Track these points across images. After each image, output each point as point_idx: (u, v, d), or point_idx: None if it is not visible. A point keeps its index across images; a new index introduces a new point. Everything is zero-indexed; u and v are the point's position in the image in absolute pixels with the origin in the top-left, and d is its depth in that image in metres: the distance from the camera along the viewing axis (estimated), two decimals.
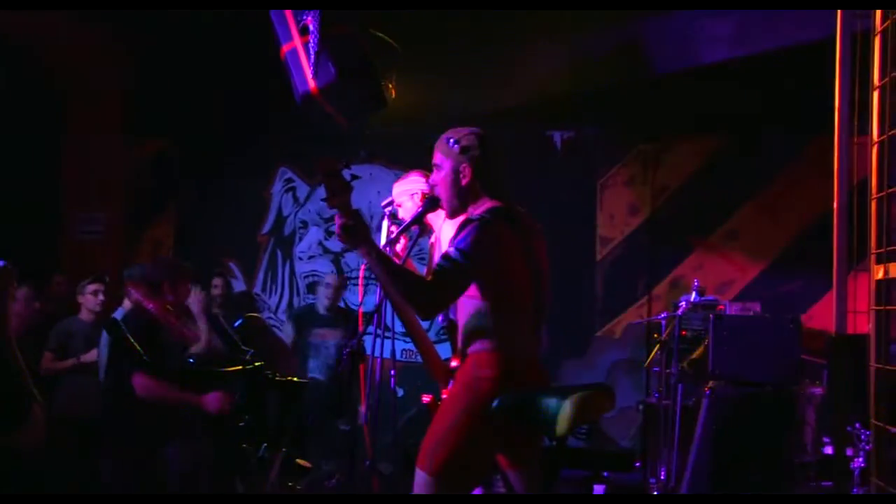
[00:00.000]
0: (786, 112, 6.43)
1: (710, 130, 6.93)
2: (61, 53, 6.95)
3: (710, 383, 4.63)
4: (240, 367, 4.43)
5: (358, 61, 4.22)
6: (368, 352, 4.29)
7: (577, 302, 7.01)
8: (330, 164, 2.75)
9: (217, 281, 6.42)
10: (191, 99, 7.22)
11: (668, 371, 5.42)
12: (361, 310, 3.83)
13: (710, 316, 4.85)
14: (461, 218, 2.90)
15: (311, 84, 4.12)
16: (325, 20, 4.06)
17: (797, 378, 4.60)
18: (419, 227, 3.17)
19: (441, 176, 2.92)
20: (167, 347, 4.39)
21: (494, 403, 2.66)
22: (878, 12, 2.99)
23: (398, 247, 3.77)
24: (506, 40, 6.14)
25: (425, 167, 3.65)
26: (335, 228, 2.74)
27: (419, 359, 3.31)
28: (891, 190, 2.87)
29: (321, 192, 6.33)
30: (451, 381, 2.93)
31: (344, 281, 6.47)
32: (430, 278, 2.72)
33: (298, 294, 7.77)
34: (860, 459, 3.96)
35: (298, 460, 4.43)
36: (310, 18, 4.09)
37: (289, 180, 7.90)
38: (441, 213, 3.11)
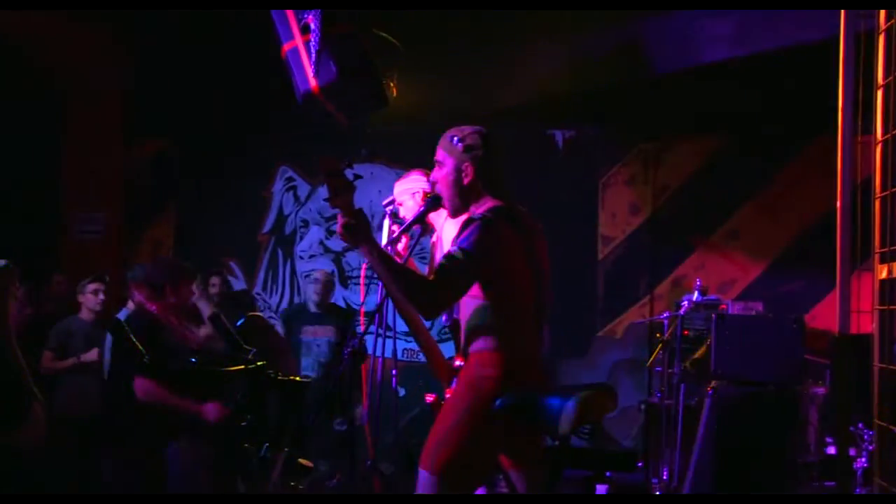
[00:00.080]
0: (786, 111, 6.42)
1: (711, 130, 6.93)
2: (61, 53, 6.94)
3: (713, 383, 4.63)
4: (242, 367, 4.41)
5: (359, 60, 4.21)
6: (370, 351, 4.28)
7: (579, 301, 7.00)
8: (332, 164, 2.74)
9: (214, 280, 6.41)
10: (191, 99, 7.21)
11: (670, 371, 5.42)
12: (363, 309, 3.82)
13: (713, 315, 4.84)
14: (463, 217, 2.89)
15: (313, 83, 4.11)
16: (327, 19, 4.05)
17: (800, 378, 4.60)
18: (421, 226, 3.16)
19: (443, 174, 2.92)
20: (169, 348, 4.38)
21: (497, 403, 2.66)
22: (883, 11, 2.99)
23: (399, 246, 3.77)
24: (507, 39, 6.13)
25: (426, 166, 3.64)
26: (337, 227, 2.73)
27: (421, 358, 3.32)
28: (895, 189, 2.86)
29: (323, 191, 6.33)
30: (455, 381, 2.92)
31: (332, 277, 6.43)
32: (432, 277, 2.71)
33: (299, 293, 7.76)
34: (863, 460, 3.96)
35: (300, 460, 4.41)
36: (311, 17, 4.08)
37: (289, 179, 7.89)
38: (443, 212, 3.10)
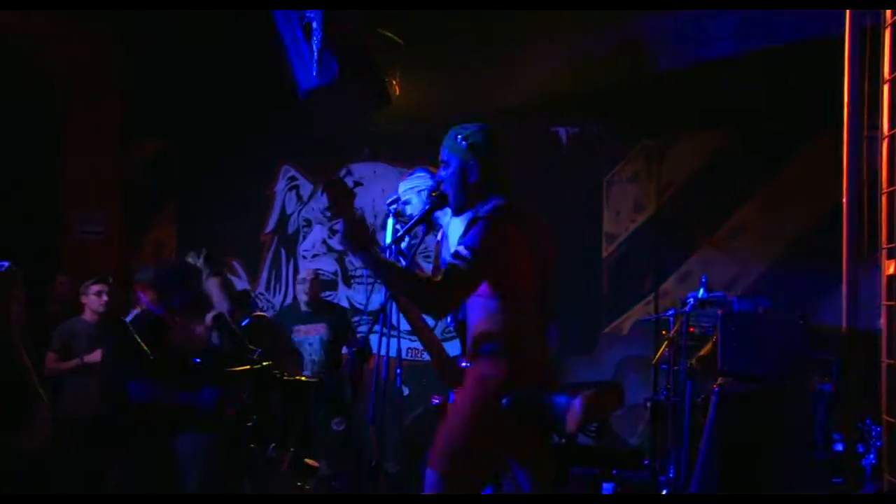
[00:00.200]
0: (791, 107, 6.41)
1: (716, 126, 6.92)
2: (61, 53, 6.93)
3: (719, 380, 4.61)
4: (247, 367, 4.41)
5: (361, 59, 4.20)
6: (374, 350, 4.27)
7: (584, 299, 6.98)
8: (330, 174, 2.74)
9: (215, 280, 6.39)
10: (191, 98, 7.20)
11: (676, 368, 5.40)
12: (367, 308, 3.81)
13: (719, 312, 4.83)
14: (468, 215, 2.88)
15: (315, 82, 4.11)
16: (329, 18, 4.05)
17: (806, 374, 4.58)
18: (425, 225, 3.14)
19: (449, 173, 2.90)
20: (174, 350, 4.37)
21: (504, 402, 2.65)
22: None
23: (403, 245, 3.75)
24: (509, 37, 6.12)
25: (429, 164, 3.62)
26: (337, 237, 2.72)
27: (425, 357, 3.29)
28: None
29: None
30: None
31: (320, 275, 6.40)
32: (439, 278, 2.70)
33: None
34: (871, 456, 3.95)
35: (307, 460, 4.41)
36: (313, 17, 4.08)
37: (292, 178, 7.87)
38: (448, 210, 3.08)
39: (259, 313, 5.51)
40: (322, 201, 7.52)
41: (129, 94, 7.55)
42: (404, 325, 3.56)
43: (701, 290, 5.53)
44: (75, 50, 6.96)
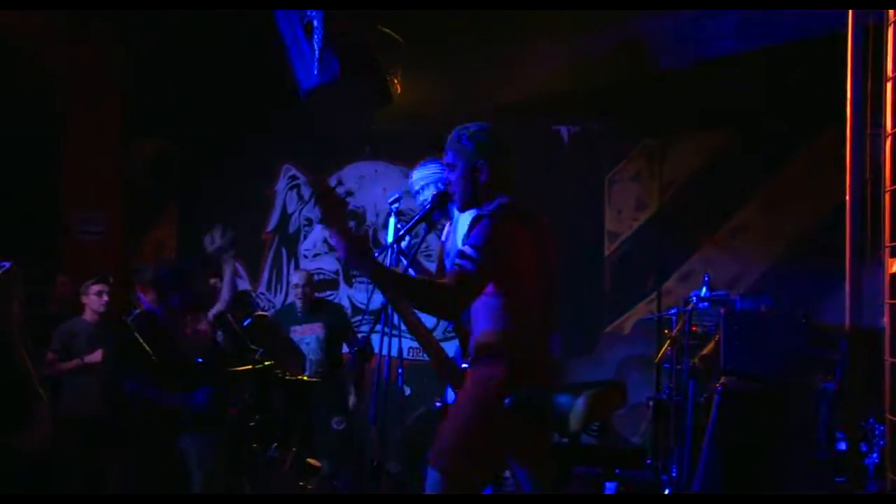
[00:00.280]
0: (793, 105, 6.40)
1: (717, 124, 6.91)
2: (61, 53, 6.92)
3: (722, 379, 4.60)
4: (249, 367, 4.40)
5: (362, 57, 4.20)
6: (376, 350, 4.26)
7: (586, 298, 6.97)
8: (321, 185, 2.73)
9: (213, 280, 6.38)
10: (191, 98, 7.19)
11: (678, 367, 5.39)
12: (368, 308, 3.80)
13: (721, 311, 4.82)
14: (473, 212, 2.87)
15: (316, 80, 4.10)
16: (330, 17, 4.04)
17: (809, 373, 4.58)
18: (426, 224, 3.13)
19: (457, 175, 2.89)
20: (176, 349, 4.37)
21: (507, 401, 2.64)
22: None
23: (404, 244, 3.74)
24: (510, 36, 6.11)
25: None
26: (340, 255, 2.70)
27: (427, 356, 3.29)
28: None
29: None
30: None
31: (311, 276, 6.39)
32: (449, 280, 2.68)
33: None
34: (874, 455, 3.94)
35: (309, 459, 4.41)
36: (314, 15, 4.07)
37: (293, 177, 7.86)
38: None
39: (260, 313, 5.50)
40: None
41: (129, 94, 7.54)
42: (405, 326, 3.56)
43: (703, 289, 5.53)
44: (75, 50, 6.96)
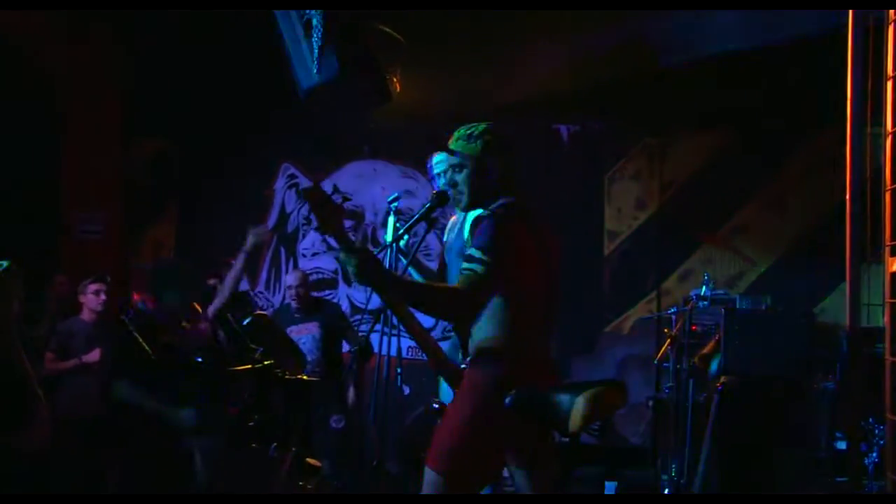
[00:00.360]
0: (793, 104, 6.40)
1: (717, 124, 6.91)
2: (61, 53, 6.91)
3: (722, 378, 4.60)
4: (249, 366, 4.39)
5: (362, 56, 4.19)
6: (375, 350, 4.25)
7: (585, 297, 6.97)
8: (316, 193, 2.71)
9: (212, 281, 6.38)
10: (191, 97, 7.18)
11: (678, 367, 5.39)
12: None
13: (722, 310, 4.81)
14: (477, 211, 2.87)
15: (315, 80, 4.10)
16: (329, 16, 4.04)
17: (809, 373, 4.57)
18: (426, 223, 3.12)
19: (464, 174, 2.88)
20: (174, 349, 4.37)
21: (507, 400, 2.63)
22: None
23: (402, 243, 3.74)
24: (509, 35, 6.11)
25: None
26: (350, 274, 2.67)
27: (426, 356, 3.28)
28: None
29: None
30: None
31: (306, 276, 6.38)
32: (460, 284, 2.67)
33: None
34: (874, 454, 3.94)
35: (308, 459, 4.39)
36: (314, 14, 4.06)
37: (291, 176, 7.85)
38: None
39: (260, 312, 5.49)
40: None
41: (129, 94, 7.54)
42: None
43: (703, 288, 5.52)
44: (75, 50, 6.94)
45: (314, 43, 3.99)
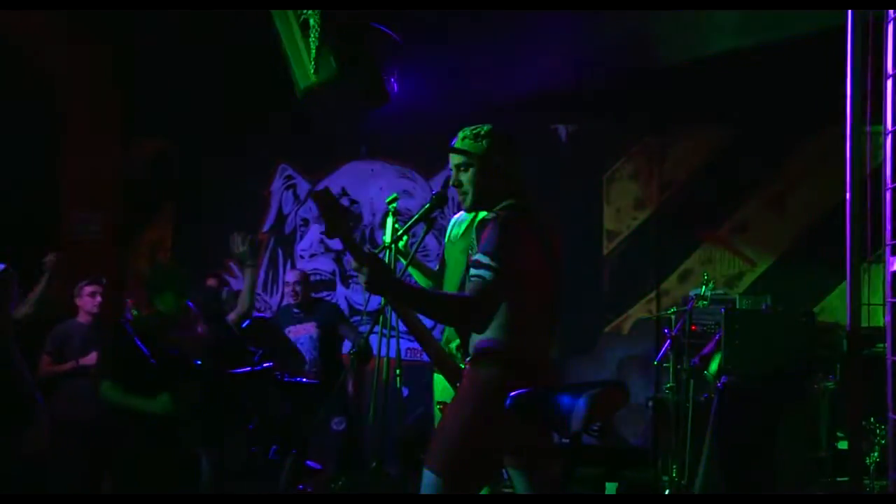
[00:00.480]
0: (793, 102, 6.38)
1: (716, 122, 6.90)
2: (61, 54, 6.91)
3: (722, 379, 4.59)
4: (249, 369, 4.39)
5: (359, 57, 4.18)
6: (374, 351, 4.25)
7: (584, 297, 6.95)
8: (325, 196, 2.71)
9: (212, 282, 6.37)
10: (190, 98, 7.18)
11: (678, 367, 5.38)
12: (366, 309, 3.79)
13: (722, 310, 4.81)
14: (483, 213, 2.86)
15: (313, 80, 4.09)
16: (327, 16, 4.03)
17: (809, 372, 4.57)
18: (425, 223, 3.11)
19: (470, 175, 2.87)
20: (173, 351, 4.36)
21: (508, 402, 2.61)
22: None
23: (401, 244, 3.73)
24: (508, 35, 6.10)
25: (427, 163, 3.62)
26: (360, 282, 2.66)
27: (425, 357, 3.27)
28: None
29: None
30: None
31: (306, 276, 6.38)
32: (470, 291, 2.67)
33: None
34: (876, 454, 3.93)
35: (308, 461, 4.39)
36: (311, 15, 4.06)
37: (289, 177, 7.84)
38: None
39: (259, 315, 5.49)
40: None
41: (129, 94, 7.54)
42: (402, 326, 3.54)
43: (703, 288, 5.52)
44: (75, 50, 6.95)
45: (311, 43, 3.99)
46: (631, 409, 6.43)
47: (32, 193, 7.00)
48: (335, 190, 7.57)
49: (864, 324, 3.12)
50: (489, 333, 2.75)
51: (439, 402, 3.47)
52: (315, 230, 7.78)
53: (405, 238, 3.85)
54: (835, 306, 6.11)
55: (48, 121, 7.28)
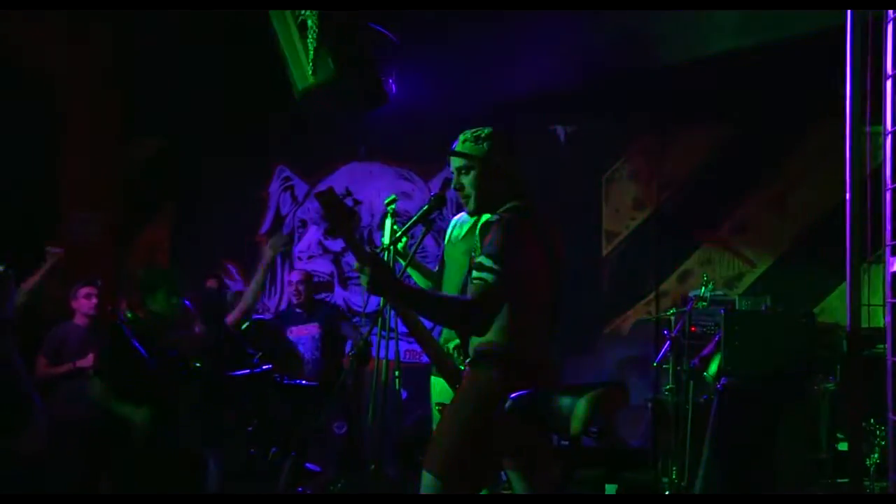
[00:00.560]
0: (793, 102, 6.38)
1: (716, 122, 6.89)
2: (61, 53, 6.91)
3: (722, 379, 4.59)
4: (248, 371, 4.39)
5: (358, 57, 4.18)
6: (373, 353, 4.24)
7: (584, 298, 6.94)
8: (329, 197, 2.70)
9: (212, 283, 6.37)
10: (189, 98, 7.17)
11: (678, 368, 5.38)
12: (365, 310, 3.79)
13: (721, 311, 4.80)
14: (486, 216, 2.86)
15: (311, 81, 4.08)
16: (325, 16, 4.03)
17: (809, 372, 4.56)
18: (424, 225, 3.10)
19: (471, 178, 2.87)
20: (170, 353, 4.36)
21: (507, 403, 2.61)
22: None
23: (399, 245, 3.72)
24: (506, 35, 6.10)
25: (426, 163, 3.61)
26: (363, 286, 2.66)
27: (424, 359, 3.27)
28: None
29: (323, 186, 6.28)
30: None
31: (310, 276, 6.37)
32: (473, 295, 2.66)
33: None
34: (876, 455, 3.93)
35: (308, 463, 4.39)
36: (309, 15, 4.05)
37: (286, 179, 7.83)
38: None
39: (258, 317, 5.49)
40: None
41: (128, 93, 7.53)
42: (402, 328, 3.54)
43: (702, 289, 5.51)
44: (75, 50, 6.95)
45: (309, 44, 3.98)
46: (631, 411, 6.42)
47: (32, 193, 7.01)
48: (339, 190, 7.58)
49: (864, 324, 3.11)
50: (489, 335, 2.75)
51: (438, 404, 3.46)
52: (313, 231, 7.78)
53: (404, 239, 3.84)
54: (835, 307, 6.12)
55: (48, 121, 7.28)
